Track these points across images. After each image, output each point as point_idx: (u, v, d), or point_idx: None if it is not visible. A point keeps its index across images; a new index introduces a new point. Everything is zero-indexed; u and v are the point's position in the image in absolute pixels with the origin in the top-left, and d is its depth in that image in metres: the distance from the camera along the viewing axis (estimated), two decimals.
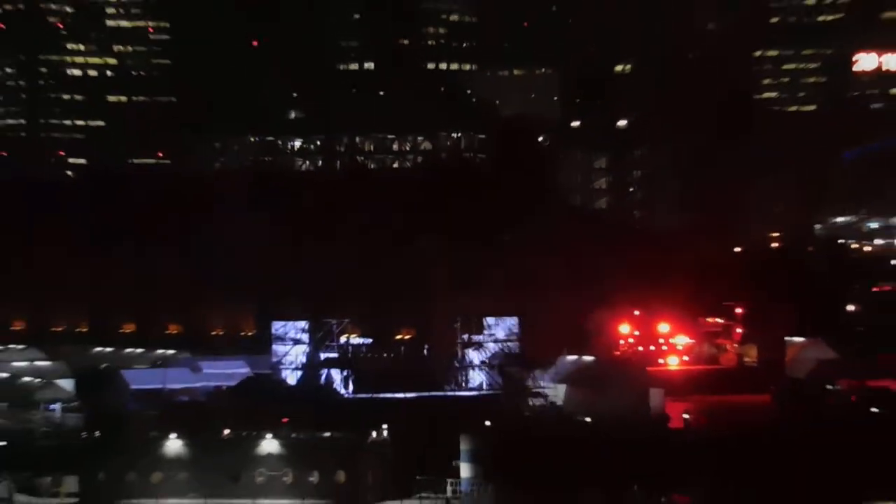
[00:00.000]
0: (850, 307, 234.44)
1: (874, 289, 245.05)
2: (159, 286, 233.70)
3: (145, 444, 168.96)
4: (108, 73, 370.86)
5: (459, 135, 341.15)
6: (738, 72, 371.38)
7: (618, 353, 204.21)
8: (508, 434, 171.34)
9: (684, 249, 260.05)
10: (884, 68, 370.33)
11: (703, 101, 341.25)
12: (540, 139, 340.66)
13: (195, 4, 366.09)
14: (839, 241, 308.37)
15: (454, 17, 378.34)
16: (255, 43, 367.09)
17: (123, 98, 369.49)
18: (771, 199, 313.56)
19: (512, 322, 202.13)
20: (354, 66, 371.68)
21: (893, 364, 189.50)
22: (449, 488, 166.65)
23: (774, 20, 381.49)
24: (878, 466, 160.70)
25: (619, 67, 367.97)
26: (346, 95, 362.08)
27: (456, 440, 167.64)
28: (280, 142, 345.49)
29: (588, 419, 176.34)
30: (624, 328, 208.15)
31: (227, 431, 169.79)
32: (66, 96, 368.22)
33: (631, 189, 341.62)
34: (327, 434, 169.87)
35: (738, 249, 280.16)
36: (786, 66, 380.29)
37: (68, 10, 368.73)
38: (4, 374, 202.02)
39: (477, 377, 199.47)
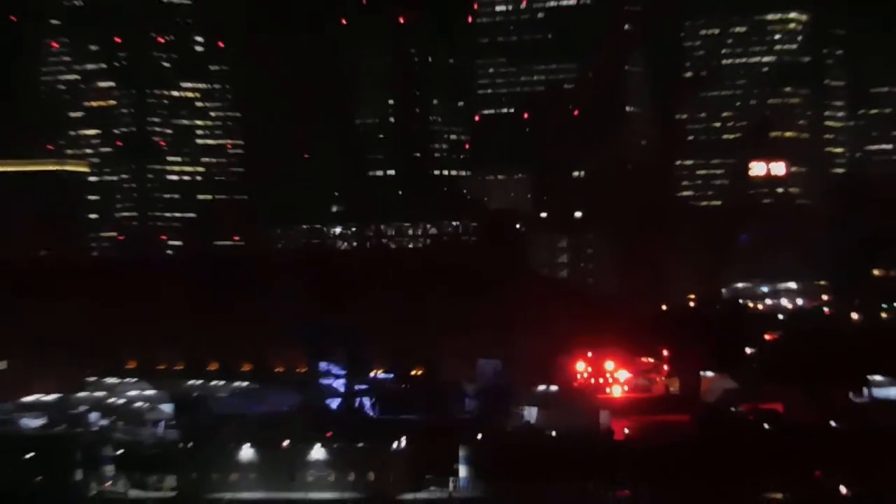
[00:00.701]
0: (748, 350, 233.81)
1: (765, 336, 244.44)
2: (237, 335, 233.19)
3: (226, 452, 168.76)
4: (198, 178, 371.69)
5: (457, 223, 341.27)
6: (664, 176, 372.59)
7: (575, 384, 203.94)
8: (495, 444, 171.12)
9: (624, 307, 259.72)
10: (771, 174, 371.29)
11: (638, 198, 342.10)
12: (517, 226, 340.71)
13: (261, 128, 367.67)
14: (739, 300, 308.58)
15: (453, 137, 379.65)
16: (306, 155, 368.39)
17: (209, 196, 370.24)
18: (688, 270, 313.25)
19: (497, 361, 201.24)
20: (380, 173, 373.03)
21: (779, 392, 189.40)
22: (451, 484, 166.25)
23: (690, 138, 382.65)
24: (768, 466, 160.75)
25: (575, 173, 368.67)
26: (374, 194, 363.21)
27: (455, 449, 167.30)
28: (325, 229, 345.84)
29: (554, 433, 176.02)
30: (580, 366, 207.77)
31: (286, 442, 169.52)
32: (166, 195, 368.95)
33: (584, 263, 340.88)
34: (360, 444, 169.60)
35: (664, 307, 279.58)
36: (699, 172, 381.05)
37: (168, 131, 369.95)
38: (122, 400, 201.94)
39: (471, 403, 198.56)
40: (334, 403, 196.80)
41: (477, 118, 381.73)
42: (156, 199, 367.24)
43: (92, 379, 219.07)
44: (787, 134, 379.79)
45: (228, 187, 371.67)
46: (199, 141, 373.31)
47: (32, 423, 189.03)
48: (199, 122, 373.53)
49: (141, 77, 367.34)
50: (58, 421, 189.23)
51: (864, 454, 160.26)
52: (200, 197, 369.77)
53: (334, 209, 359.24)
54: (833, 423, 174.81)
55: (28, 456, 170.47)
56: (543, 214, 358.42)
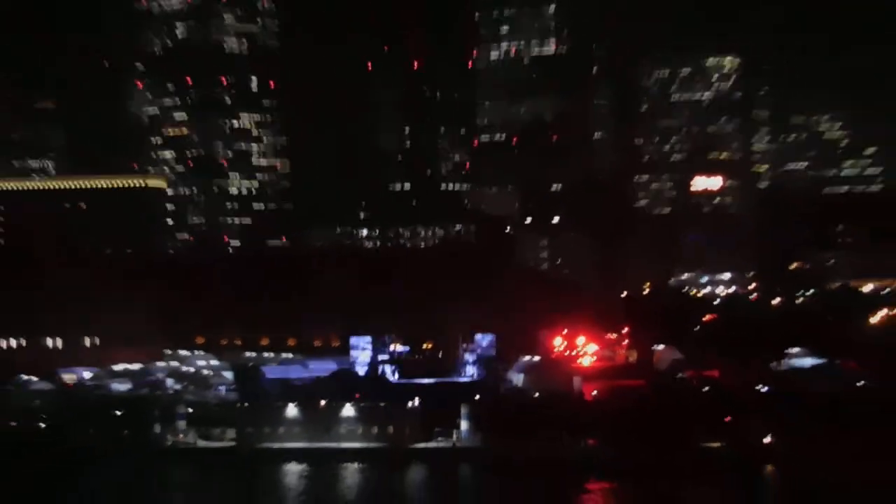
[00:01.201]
0: (691, 328, 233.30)
1: (704, 318, 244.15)
2: (284, 316, 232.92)
3: (275, 410, 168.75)
4: (253, 190, 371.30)
5: (459, 227, 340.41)
6: (624, 189, 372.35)
7: (553, 355, 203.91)
8: (490, 403, 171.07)
9: (593, 294, 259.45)
10: (709, 188, 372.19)
11: (604, 207, 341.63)
12: (507, 230, 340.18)
13: (303, 152, 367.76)
14: (684, 288, 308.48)
15: (457, 158, 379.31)
16: (339, 172, 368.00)
17: (262, 206, 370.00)
18: (644, 264, 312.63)
19: (491, 337, 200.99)
20: (398, 186, 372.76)
21: (716, 362, 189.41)
22: (455, 436, 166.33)
23: (645, 158, 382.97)
24: (707, 421, 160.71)
25: (553, 187, 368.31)
26: (393, 204, 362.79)
27: (458, 407, 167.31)
28: (354, 231, 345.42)
29: (537, 395, 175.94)
30: (557, 340, 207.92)
31: (323, 402, 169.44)
32: (227, 205, 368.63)
33: (560, 259, 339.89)
34: (382, 403, 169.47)
35: (624, 294, 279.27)
36: (652, 186, 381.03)
37: (230, 153, 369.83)
38: (192, 369, 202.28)
39: (471, 370, 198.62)
40: (362, 371, 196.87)
41: (476, 143, 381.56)
42: (219, 207, 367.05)
43: (168, 351, 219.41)
44: (723, 155, 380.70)
45: (278, 198, 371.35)
46: (254, 161, 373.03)
47: (120, 387, 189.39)
48: (254, 146, 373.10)
49: (208, 110, 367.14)
50: (141, 385, 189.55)
51: (783, 411, 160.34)
52: (255, 206, 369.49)
53: (361, 216, 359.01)
54: (759, 387, 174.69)
55: (117, 413, 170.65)
56: (528, 220, 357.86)
